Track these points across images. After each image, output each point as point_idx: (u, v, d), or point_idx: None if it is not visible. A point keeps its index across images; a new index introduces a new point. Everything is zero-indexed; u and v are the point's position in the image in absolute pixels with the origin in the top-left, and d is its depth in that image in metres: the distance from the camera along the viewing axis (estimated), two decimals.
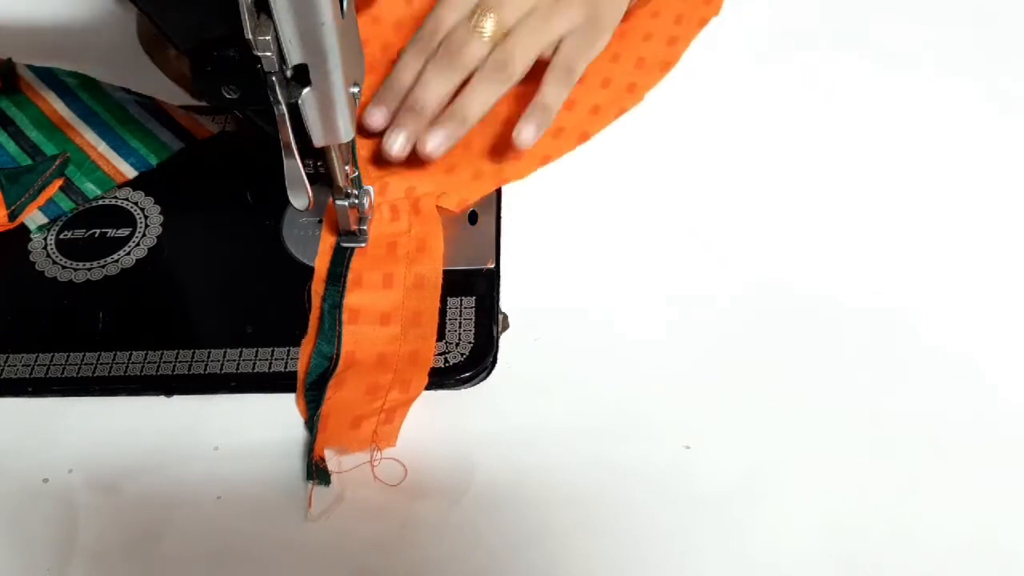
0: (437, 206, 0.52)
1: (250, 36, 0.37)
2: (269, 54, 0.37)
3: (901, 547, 0.40)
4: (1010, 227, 0.51)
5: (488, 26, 0.51)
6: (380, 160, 0.52)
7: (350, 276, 0.48)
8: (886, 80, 0.58)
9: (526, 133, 0.51)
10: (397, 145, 0.50)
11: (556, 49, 0.53)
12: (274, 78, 0.39)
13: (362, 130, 0.52)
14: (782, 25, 0.61)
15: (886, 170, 0.54)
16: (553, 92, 0.52)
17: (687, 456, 0.43)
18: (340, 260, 0.49)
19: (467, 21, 0.52)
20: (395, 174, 0.52)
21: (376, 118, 0.52)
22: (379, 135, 0.52)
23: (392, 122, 0.52)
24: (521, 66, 0.52)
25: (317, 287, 0.48)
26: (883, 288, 0.48)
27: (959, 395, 0.44)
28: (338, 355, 0.46)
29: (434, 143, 0.50)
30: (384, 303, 0.48)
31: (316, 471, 0.42)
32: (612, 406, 0.45)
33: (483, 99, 0.51)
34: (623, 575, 0.39)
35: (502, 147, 0.54)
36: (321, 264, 0.49)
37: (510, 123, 0.53)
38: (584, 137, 0.55)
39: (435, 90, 0.51)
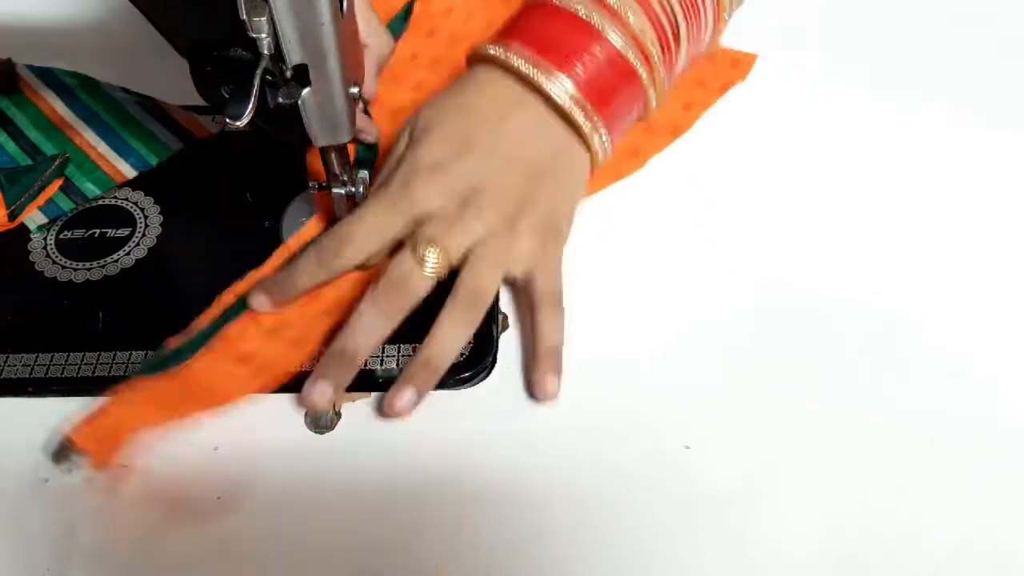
0: None
1: (244, 18, 0.36)
2: (263, 36, 0.37)
3: (901, 547, 0.40)
4: (1009, 229, 0.51)
5: (431, 260, 0.44)
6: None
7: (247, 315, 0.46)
8: (886, 90, 0.58)
9: (552, 385, 0.44)
10: (324, 400, 0.42)
11: (528, 279, 0.46)
12: (269, 64, 0.38)
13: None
14: (784, 36, 0.62)
15: (885, 172, 0.54)
16: (556, 331, 0.45)
17: (687, 456, 0.43)
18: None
19: (406, 253, 0.44)
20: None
21: (257, 303, 0.45)
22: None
23: (315, 370, 0.43)
24: (491, 298, 0.45)
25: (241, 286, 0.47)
26: (883, 289, 0.48)
27: (959, 395, 0.44)
28: (185, 361, 0.44)
29: (406, 401, 0.42)
30: (254, 345, 0.45)
31: (63, 452, 0.42)
32: (612, 406, 0.45)
33: (457, 342, 0.44)
34: (623, 575, 0.39)
35: None
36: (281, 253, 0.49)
37: None
38: None
39: (373, 337, 0.43)
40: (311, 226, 0.50)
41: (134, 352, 0.46)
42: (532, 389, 0.45)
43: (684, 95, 0.57)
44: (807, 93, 0.57)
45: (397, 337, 0.45)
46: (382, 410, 0.43)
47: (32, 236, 0.51)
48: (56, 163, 0.53)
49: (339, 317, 0.46)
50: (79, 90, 0.57)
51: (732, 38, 0.59)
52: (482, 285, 0.45)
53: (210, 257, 0.51)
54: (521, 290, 0.48)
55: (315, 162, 0.48)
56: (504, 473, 0.43)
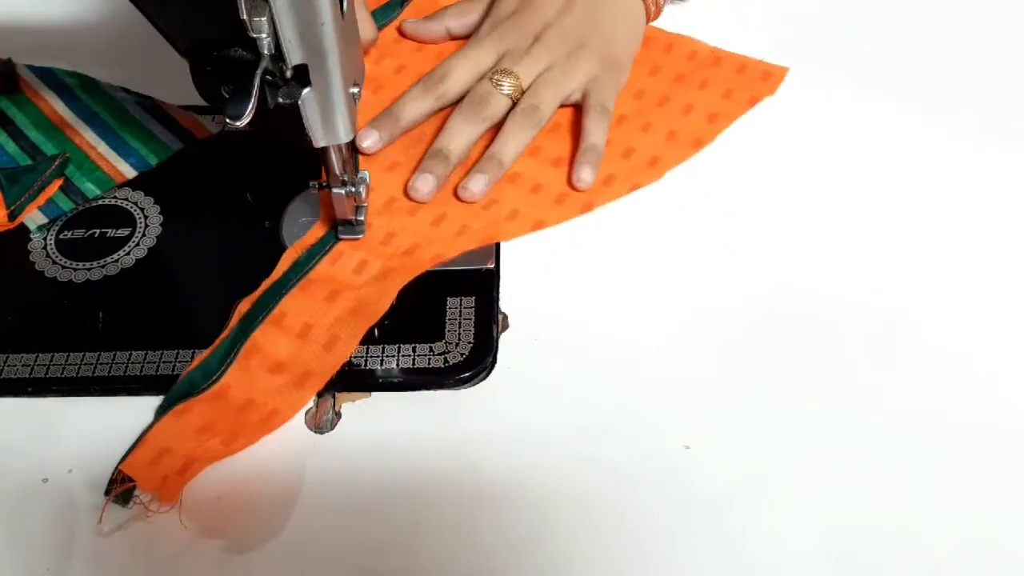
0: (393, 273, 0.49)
1: (245, 17, 0.36)
2: (264, 36, 0.37)
3: (901, 547, 0.40)
4: (1008, 230, 0.51)
5: (507, 84, 0.54)
6: (388, 206, 0.52)
7: (274, 311, 0.46)
8: (886, 92, 0.58)
9: (586, 174, 0.52)
10: (426, 188, 0.52)
11: (584, 94, 0.55)
12: (269, 63, 0.38)
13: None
14: (791, 45, 0.62)
15: (884, 174, 0.54)
16: (598, 131, 0.54)
17: (687, 456, 0.43)
18: (331, 237, 0.50)
19: (487, 78, 0.55)
20: (381, 215, 0.51)
21: (370, 141, 0.54)
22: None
23: (418, 166, 0.53)
24: (548, 113, 0.54)
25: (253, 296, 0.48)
26: (883, 289, 0.48)
27: (959, 395, 0.44)
28: (217, 378, 0.44)
29: (478, 187, 0.52)
30: (285, 351, 0.45)
31: (118, 489, 0.41)
32: (612, 406, 0.45)
33: (517, 143, 0.53)
34: (623, 575, 0.39)
35: (494, 205, 0.52)
36: (288, 256, 0.49)
37: (503, 181, 0.53)
38: (587, 207, 0.52)
39: (461, 139, 0.53)
40: (317, 228, 0.50)
41: (134, 352, 0.46)
42: (571, 178, 0.53)
43: (710, 106, 0.56)
44: (806, 102, 0.58)
45: (397, 337, 0.46)
46: (456, 193, 0.52)
47: (32, 236, 0.51)
48: (56, 163, 0.53)
49: (366, 298, 0.47)
50: (79, 90, 0.57)
51: (756, 46, 0.59)
52: (540, 101, 0.54)
53: (210, 257, 0.51)
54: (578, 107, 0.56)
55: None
56: (504, 473, 0.43)
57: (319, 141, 0.43)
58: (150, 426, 0.43)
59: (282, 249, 0.50)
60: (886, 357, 0.46)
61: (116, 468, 0.41)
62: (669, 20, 0.61)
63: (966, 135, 0.55)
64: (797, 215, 0.51)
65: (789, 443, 0.43)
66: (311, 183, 0.47)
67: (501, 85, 0.54)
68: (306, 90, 0.40)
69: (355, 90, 0.42)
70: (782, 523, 0.41)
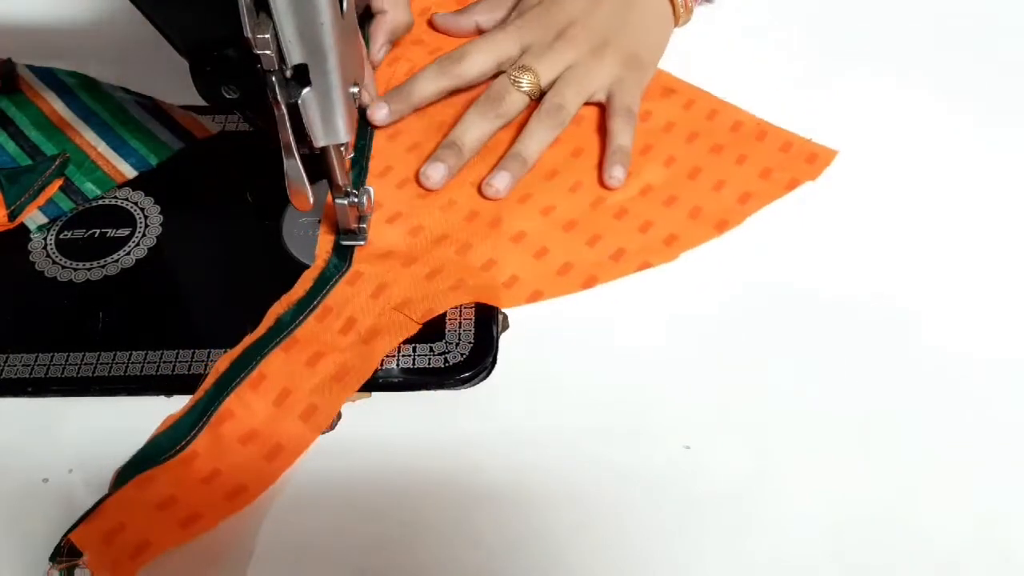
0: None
1: (249, 34, 0.37)
2: (268, 52, 0.37)
3: (902, 547, 0.40)
4: (1010, 230, 0.51)
5: (525, 80, 0.54)
6: (363, 253, 0.49)
7: (253, 373, 0.44)
8: (889, 87, 0.58)
9: (617, 171, 0.52)
10: (437, 176, 0.52)
11: (609, 96, 0.55)
12: (274, 78, 0.39)
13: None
14: (783, 32, 0.62)
15: (883, 174, 0.54)
16: (625, 133, 0.53)
17: (687, 456, 0.43)
18: (319, 288, 0.48)
19: (505, 74, 0.54)
20: (375, 264, 0.48)
21: (381, 114, 0.55)
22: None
23: (432, 155, 0.53)
24: (572, 111, 0.54)
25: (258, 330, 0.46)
26: (883, 288, 0.48)
27: (960, 395, 0.44)
28: (184, 445, 0.42)
29: (503, 183, 0.52)
30: (260, 418, 0.43)
31: (63, 563, 0.38)
32: (612, 406, 0.45)
33: (540, 141, 0.53)
34: (623, 575, 0.39)
35: (494, 267, 0.49)
36: (298, 290, 0.48)
37: (494, 226, 0.51)
38: (591, 281, 0.49)
39: (476, 133, 0.53)
40: (308, 275, 0.49)
41: (134, 352, 0.46)
42: (602, 178, 0.52)
43: (744, 185, 0.52)
44: (805, 95, 0.58)
45: None
46: (480, 189, 0.52)
47: (32, 236, 0.51)
48: (56, 163, 0.53)
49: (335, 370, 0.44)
50: (79, 90, 0.57)
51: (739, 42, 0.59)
52: (563, 100, 0.53)
53: (210, 257, 0.51)
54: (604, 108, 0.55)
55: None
56: (504, 473, 0.43)
57: (319, 141, 0.43)
58: (108, 493, 0.40)
59: (283, 249, 0.50)
60: (887, 357, 0.46)
61: (65, 535, 0.39)
62: (699, 21, 0.61)
63: (971, 126, 0.55)
64: (797, 215, 0.51)
65: (789, 443, 0.43)
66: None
67: (520, 81, 0.54)
68: (306, 90, 0.40)
69: (355, 90, 0.43)
70: (782, 523, 0.41)
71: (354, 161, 0.54)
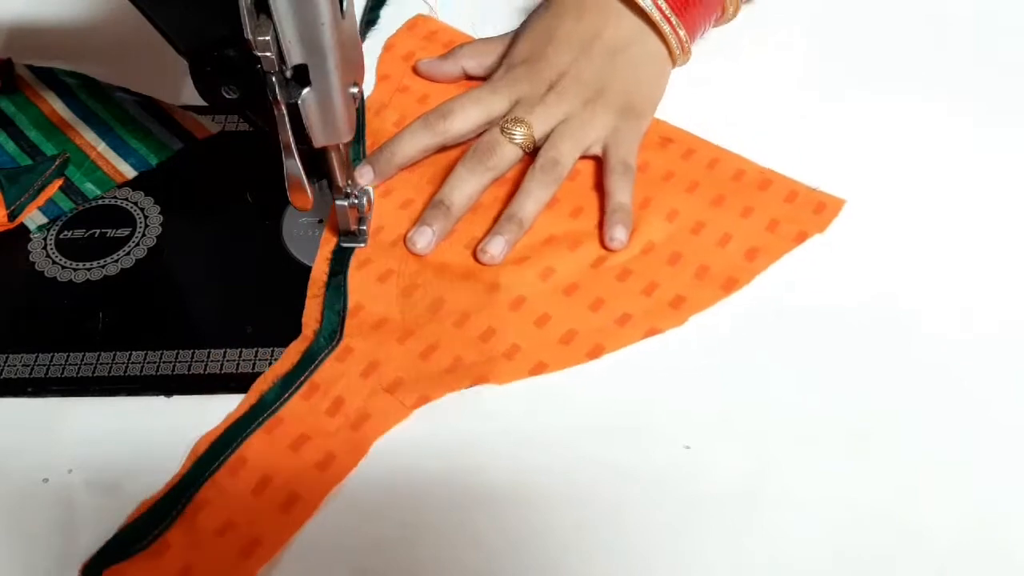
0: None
1: (250, 36, 0.37)
2: (269, 54, 0.37)
3: (902, 546, 0.40)
4: (1007, 232, 0.51)
5: (519, 133, 0.51)
6: (354, 322, 0.47)
7: (232, 458, 0.41)
8: (887, 89, 0.58)
9: (619, 233, 0.49)
10: (424, 242, 0.49)
11: (604, 149, 0.52)
12: (274, 78, 0.39)
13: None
14: (783, 34, 0.62)
15: (882, 173, 0.54)
16: (623, 191, 0.51)
17: (687, 456, 0.43)
18: (307, 364, 0.45)
19: (496, 127, 0.52)
20: (367, 338, 0.46)
21: (366, 179, 0.52)
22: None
23: (419, 218, 0.50)
24: (568, 166, 0.51)
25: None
26: (883, 289, 0.48)
27: (960, 395, 0.44)
28: (157, 535, 0.39)
29: (497, 249, 0.49)
30: (236, 507, 0.40)
31: None
32: (612, 406, 0.45)
33: (537, 200, 0.50)
34: (623, 575, 0.39)
35: (493, 337, 0.46)
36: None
37: (491, 292, 0.48)
38: (597, 351, 0.46)
39: (466, 190, 0.50)
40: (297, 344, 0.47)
41: (134, 352, 0.46)
42: (603, 240, 0.50)
43: (750, 239, 0.49)
44: (805, 97, 0.57)
45: None
46: (476, 255, 0.49)
47: (32, 236, 0.51)
48: (56, 163, 0.53)
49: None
50: (79, 90, 0.57)
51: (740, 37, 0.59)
52: (559, 155, 0.51)
53: (210, 257, 0.51)
54: (600, 161, 0.53)
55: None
56: (504, 473, 0.43)
57: (319, 141, 0.43)
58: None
59: (283, 249, 0.50)
60: (886, 357, 0.46)
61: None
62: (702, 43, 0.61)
63: (970, 127, 0.55)
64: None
65: (789, 443, 0.43)
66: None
67: (512, 134, 0.51)
68: (306, 90, 0.40)
69: (355, 90, 0.43)
70: (782, 523, 0.41)
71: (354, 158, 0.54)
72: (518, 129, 0.51)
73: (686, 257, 0.49)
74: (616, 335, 0.46)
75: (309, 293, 0.48)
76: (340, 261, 0.49)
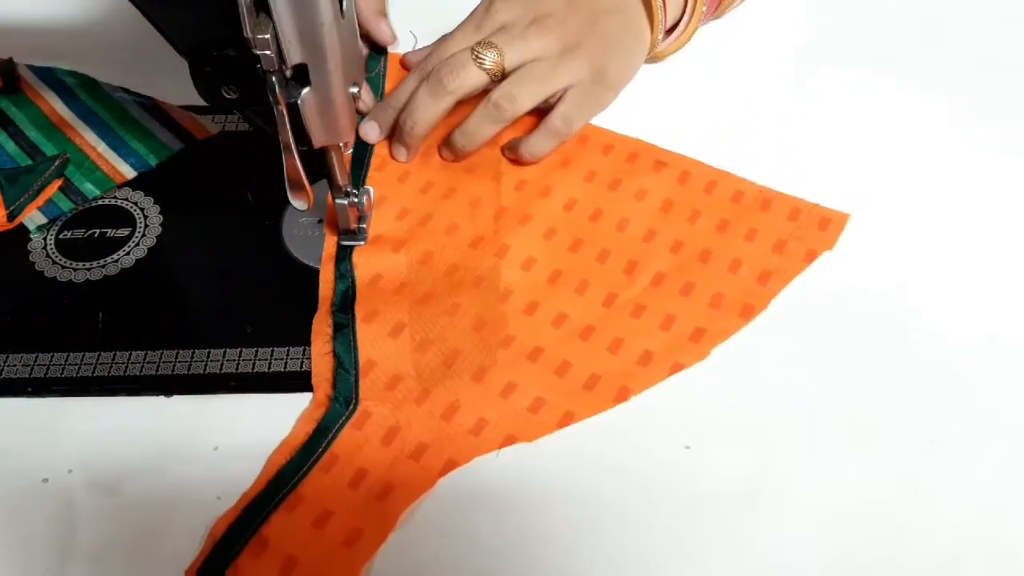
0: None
1: (249, 35, 0.37)
2: (268, 53, 0.37)
3: (902, 546, 0.40)
4: (1012, 228, 0.51)
5: (488, 58, 0.50)
6: (368, 382, 0.44)
7: (254, 540, 0.39)
8: (888, 87, 0.58)
9: (521, 147, 0.52)
10: (400, 157, 0.53)
11: (559, 99, 0.52)
12: (273, 78, 0.39)
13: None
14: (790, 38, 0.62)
15: (884, 171, 0.54)
16: (541, 143, 0.52)
17: (687, 456, 0.43)
18: (323, 433, 0.43)
19: (469, 49, 0.51)
20: (384, 400, 0.44)
21: (369, 132, 0.54)
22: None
23: (392, 137, 0.54)
24: (521, 109, 0.51)
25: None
26: (883, 289, 0.48)
27: (960, 395, 0.44)
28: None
29: (401, 156, 0.53)
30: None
31: None
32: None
33: (479, 134, 0.51)
34: (623, 575, 0.39)
35: (514, 392, 0.44)
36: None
37: (522, 359, 0.45)
38: (624, 394, 0.44)
39: (422, 112, 0.51)
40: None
41: (134, 352, 0.46)
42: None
43: (760, 262, 0.49)
44: (809, 95, 0.58)
45: None
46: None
47: (32, 236, 0.51)
48: (56, 164, 0.53)
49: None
50: (79, 90, 0.57)
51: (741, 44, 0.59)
52: (519, 93, 0.51)
53: (210, 257, 0.51)
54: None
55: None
56: (504, 473, 0.43)
57: (319, 140, 0.43)
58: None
59: (283, 249, 0.50)
60: (886, 356, 0.46)
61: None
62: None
63: (973, 126, 0.55)
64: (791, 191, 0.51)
65: (789, 443, 0.43)
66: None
67: (483, 58, 0.50)
68: (306, 90, 0.40)
69: (355, 90, 0.43)
70: (782, 523, 0.41)
71: (355, 159, 0.54)
72: (489, 54, 0.51)
73: (699, 287, 0.48)
74: (641, 376, 0.45)
75: (315, 347, 0.45)
76: (344, 310, 0.47)
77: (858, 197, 0.52)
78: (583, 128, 0.54)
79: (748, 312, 0.47)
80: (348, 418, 0.43)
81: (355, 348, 0.45)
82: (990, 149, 0.54)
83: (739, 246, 0.49)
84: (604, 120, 0.56)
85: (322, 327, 0.46)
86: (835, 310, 0.47)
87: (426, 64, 0.53)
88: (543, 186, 0.52)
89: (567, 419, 0.44)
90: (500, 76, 0.51)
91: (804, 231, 0.50)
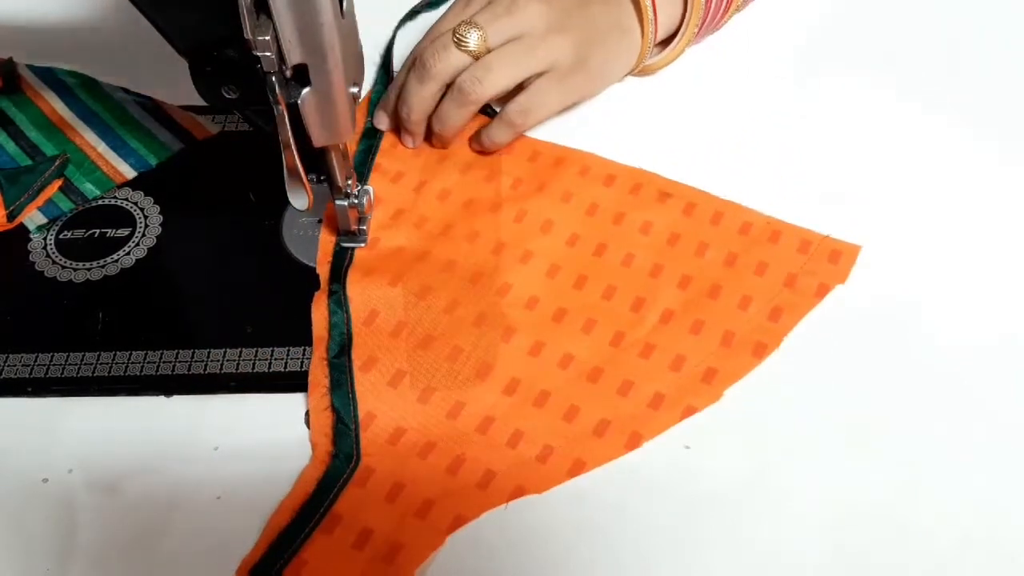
0: None
1: (249, 36, 0.37)
2: (269, 54, 0.37)
3: (902, 546, 0.40)
4: (1011, 230, 0.51)
5: (471, 39, 0.50)
6: (369, 436, 0.43)
7: (294, 561, 0.39)
8: (888, 90, 0.58)
9: (485, 138, 0.52)
10: (408, 144, 0.54)
11: (523, 86, 0.51)
12: (274, 78, 0.39)
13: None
14: (792, 46, 0.62)
15: (885, 171, 0.54)
16: (497, 132, 0.52)
17: (687, 456, 0.43)
18: (325, 491, 0.41)
19: (450, 32, 0.50)
20: (386, 454, 0.42)
21: (380, 121, 0.55)
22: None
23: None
24: (492, 91, 0.50)
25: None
26: (882, 289, 0.48)
27: (960, 395, 0.44)
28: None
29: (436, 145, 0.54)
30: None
31: None
32: None
33: (451, 120, 0.51)
34: (623, 575, 0.39)
35: (521, 441, 0.43)
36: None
37: (528, 404, 0.44)
38: (635, 440, 0.43)
39: (412, 98, 0.52)
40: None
41: (134, 352, 0.46)
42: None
43: (771, 298, 0.47)
44: (818, 93, 0.58)
45: None
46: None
47: (32, 236, 0.51)
48: (56, 164, 0.53)
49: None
50: (79, 90, 0.57)
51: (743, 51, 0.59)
52: (484, 76, 0.50)
53: (210, 257, 0.51)
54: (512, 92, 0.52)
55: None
56: None
57: (319, 140, 0.43)
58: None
59: (283, 249, 0.50)
60: (886, 356, 0.46)
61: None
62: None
63: (970, 134, 0.55)
64: (798, 212, 0.51)
65: (789, 443, 0.43)
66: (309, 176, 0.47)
67: (466, 40, 0.49)
68: (306, 90, 0.40)
69: (355, 90, 0.43)
70: (782, 523, 0.41)
71: (357, 160, 0.54)
72: (472, 34, 0.50)
73: (708, 324, 0.46)
74: (652, 420, 0.43)
75: (312, 400, 0.44)
76: (340, 356, 0.45)
77: (859, 197, 0.52)
78: (584, 159, 0.53)
79: (760, 351, 0.45)
80: (350, 475, 0.41)
81: (354, 400, 0.43)
82: (1002, 170, 0.54)
83: (749, 281, 0.48)
84: (600, 133, 0.55)
85: (319, 377, 0.44)
86: (835, 312, 0.47)
87: (418, 46, 0.54)
88: (544, 220, 0.50)
89: (578, 468, 0.42)
90: (486, 55, 0.50)
91: (815, 264, 0.48)
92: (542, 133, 0.55)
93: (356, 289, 0.47)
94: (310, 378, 0.44)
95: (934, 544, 0.40)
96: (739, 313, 0.47)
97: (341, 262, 0.49)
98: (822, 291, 0.47)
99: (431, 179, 0.53)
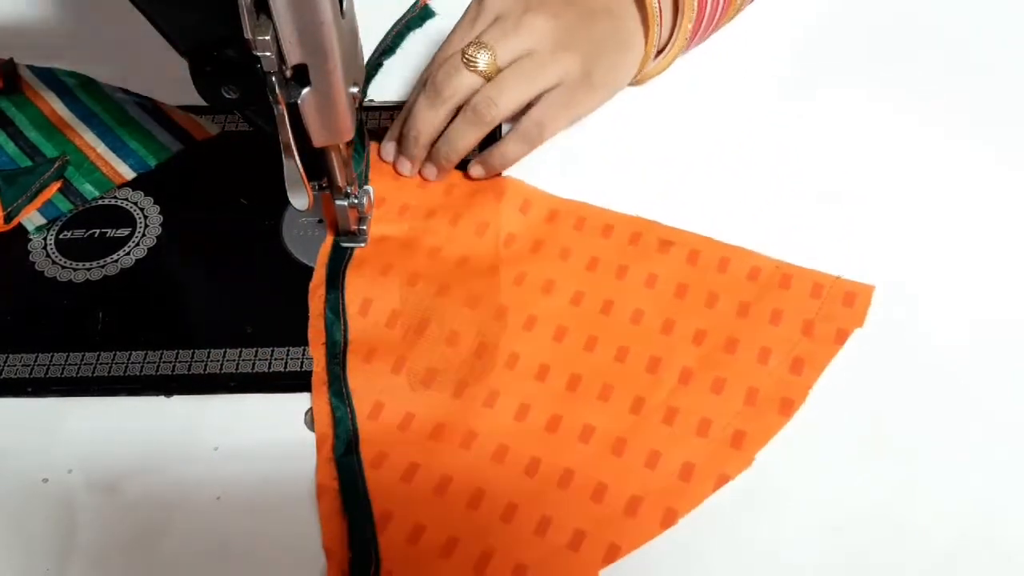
0: None
1: (249, 36, 0.37)
2: (269, 54, 0.37)
3: (901, 546, 0.40)
4: (1010, 230, 0.51)
5: (481, 60, 0.49)
6: (414, 543, 0.40)
7: None
8: (886, 111, 0.58)
9: (474, 171, 0.52)
10: (404, 170, 0.53)
11: (534, 103, 0.51)
12: (274, 78, 0.39)
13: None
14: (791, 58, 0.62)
15: (885, 172, 0.54)
16: (513, 147, 0.51)
17: None
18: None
19: (459, 53, 0.50)
20: (427, 563, 0.39)
21: (387, 152, 0.54)
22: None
23: (388, 136, 0.54)
24: (505, 110, 0.50)
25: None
26: (881, 289, 0.48)
27: (960, 395, 0.44)
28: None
29: (428, 175, 0.53)
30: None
31: None
32: None
33: (463, 141, 0.50)
34: (623, 575, 0.39)
35: (550, 528, 0.40)
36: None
37: (554, 487, 0.41)
38: (670, 517, 0.40)
39: (422, 122, 0.51)
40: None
41: (134, 352, 0.46)
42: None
43: (790, 348, 0.45)
44: (819, 98, 0.58)
45: None
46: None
47: (32, 236, 0.51)
48: (55, 167, 0.53)
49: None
50: (79, 90, 0.57)
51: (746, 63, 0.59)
52: (498, 96, 0.49)
53: (210, 257, 0.51)
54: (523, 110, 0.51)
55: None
56: None
57: (319, 141, 0.43)
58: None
59: (282, 249, 0.50)
60: (886, 357, 0.46)
61: None
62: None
63: (967, 136, 0.55)
64: (797, 212, 0.51)
65: (789, 443, 0.43)
66: (311, 183, 0.47)
67: (476, 61, 0.49)
68: (306, 90, 0.40)
69: (355, 90, 0.43)
70: (782, 523, 0.41)
71: (356, 161, 0.54)
72: (481, 55, 0.49)
73: (730, 382, 0.44)
74: (685, 493, 0.41)
75: (321, 505, 0.41)
76: (348, 453, 0.42)
77: (859, 197, 0.52)
78: (578, 210, 0.51)
79: (787, 407, 0.43)
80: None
81: (367, 501, 0.41)
82: (999, 173, 0.54)
83: (765, 331, 0.46)
84: (596, 142, 0.55)
85: (327, 479, 0.42)
86: None
87: (428, 69, 0.53)
88: (544, 280, 0.48)
89: (613, 553, 0.39)
90: (496, 74, 0.50)
91: (830, 308, 0.46)
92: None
93: (358, 382, 0.45)
94: (318, 479, 0.42)
95: (932, 544, 0.40)
96: (760, 367, 0.44)
97: (339, 263, 0.49)
98: (841, 337, 0.45)
99: (422, 236, 0.50)
